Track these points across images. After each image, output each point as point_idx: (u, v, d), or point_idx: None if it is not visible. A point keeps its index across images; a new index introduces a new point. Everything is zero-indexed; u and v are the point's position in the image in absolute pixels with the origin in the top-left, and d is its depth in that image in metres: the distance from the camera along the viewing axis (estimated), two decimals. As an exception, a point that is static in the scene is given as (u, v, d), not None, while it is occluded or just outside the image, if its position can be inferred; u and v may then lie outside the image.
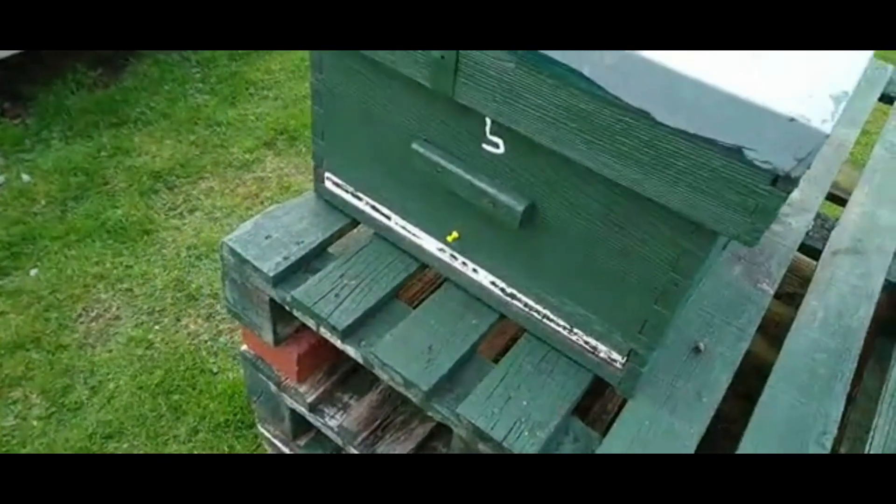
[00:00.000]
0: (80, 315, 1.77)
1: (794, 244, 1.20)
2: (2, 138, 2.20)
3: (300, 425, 1.26)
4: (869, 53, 0.70)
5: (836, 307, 1.10)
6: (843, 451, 1.03)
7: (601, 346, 0.91)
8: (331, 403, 1.16)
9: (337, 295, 0.98)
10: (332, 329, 0.96)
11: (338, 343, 0.98)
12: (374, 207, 1.05)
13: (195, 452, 1.54)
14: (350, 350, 0.97)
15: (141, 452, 1.52)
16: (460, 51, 0.76)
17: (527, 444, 0.85)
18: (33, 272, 1.84)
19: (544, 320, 0.96)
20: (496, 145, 0.84)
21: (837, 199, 1.42)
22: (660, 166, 0.68)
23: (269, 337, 1.08)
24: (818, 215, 1.31)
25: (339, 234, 1.10)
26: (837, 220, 1.29)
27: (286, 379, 1.16)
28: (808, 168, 0.60)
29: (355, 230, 1.14)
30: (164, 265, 1.91)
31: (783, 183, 0.61)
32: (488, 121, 0.83)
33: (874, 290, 1.14)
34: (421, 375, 0.91)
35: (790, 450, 0.88)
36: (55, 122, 2.30)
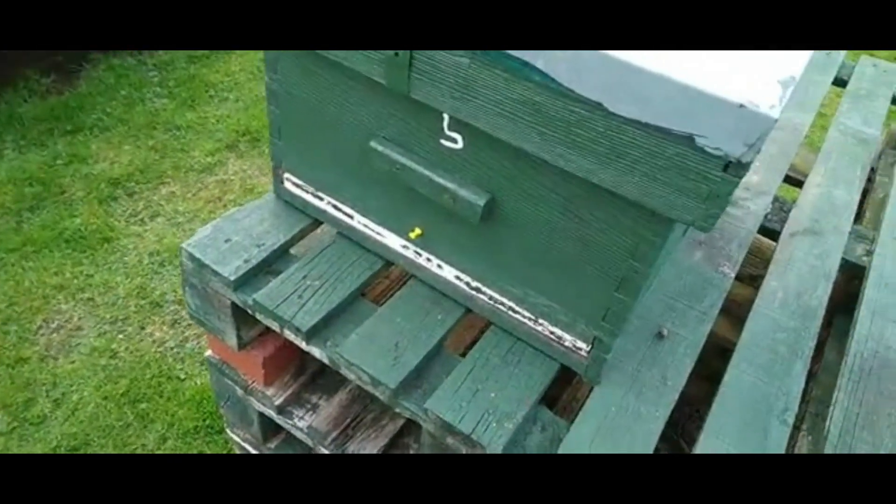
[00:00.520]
0: (40, 327, 1.73)
1: (754, 227, 1.23)
2: (-49, 149, 2.14)
3: (269, 428, 1.25)
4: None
5: (795, 287, 1.12)
6: (805, 427, 1.06)
7: (566, 336, 0.92)
8: (299, 405, 1.16)
9: (300, 296, 0.97)
10: (296, 331, 0.95)
11: (302, 345, 0.97)
12: (335, 207, 1.05)
13: (165, 461, 1.51)
14: (315, 351, 0.97)
15: (109, 464, 1.49)
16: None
17: (494, 435, 0.85)
18: (-10, 285, 1.80)
19: (510, 312, 0.96)
20: (454, 141, 0.84)
21: (795, 181, 1.45)
22: (614, 156, 0.68)
23: (232, 341, 1.07)
24: (776, 198, 1.34)
25: (301, 235, 1.09)
26: (795, 202, 1.31)
27: (253, 382, 1.15)
28: (759, 153, 0.61)
29: (318, 230, 1.13)
30: (126, 273, 1.88)
31: (735, 168, 0.62)
32: (446, 116, 0.83)
33: (832, 270, 1.16)
34: (388, 373, 0.91)
35: (753, 428, 0.90)
36: (7, 131, 2.24)
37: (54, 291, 1.81)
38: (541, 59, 0.67)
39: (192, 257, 1.01)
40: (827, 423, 0.95)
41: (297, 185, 1.07)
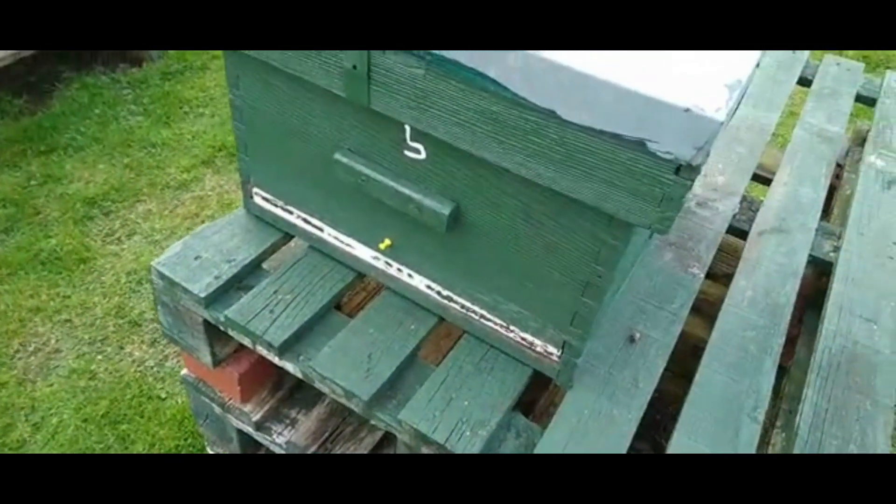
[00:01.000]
0: (17, 351, 1.71)
1: (722, 227, 1.24)
2: (-77, 174, 2.12)
3: (249, 445, 1.24)
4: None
5: (764, 285, 1.14)
6: (779, 423, 1.07)
7: (537, 341, 0.93)
8: (277, 420, 1.15)
9: (271, 311, 0.97)
10: (269, 346, 0.95)
11: (276, 360, 0.97)
12: (305, 220, 1.05)
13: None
14: (289, 366, 0.97)
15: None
16: (372, 60, 0.76)
17: (468, 443, 0.86)
18: (-36, 310, 1.78)
19: (481, 320, 0.97)
20: (417, 151, 0.85)
21: (764, 180, 1.47)
22: (571, 163, 0.69)
23: (207, 359, 1.06)
24: (745, 198, 1.35)
25: (273, 250, 1.09)
26: (763, 200, 1.33)
27: (230, 400, 1.15)
28: (708, 155, 0.62)
29: (290, 244, 1.13)
30: (103, 293, 1.87)
31: (686, 171, 0.63)
32: (407, 127, 0.83)
33: (799, 267, 1.18)
34: (361, 385, 0.91)
35: (725, 426, 0.91)
36: (-21, 153, 2.23)
37: (31, 314, 1.79)
38: (493, 68, 0.67)
39: (162, 275, 1.01)
40: (797, 419, 0.96)
41: (267, 200, 1.07)
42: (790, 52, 1.75)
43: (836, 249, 1.23)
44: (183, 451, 1.55)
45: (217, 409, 1.18)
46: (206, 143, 2.41)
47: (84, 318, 1.80)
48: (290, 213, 1.06)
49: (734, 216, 1.28)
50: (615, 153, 0.66)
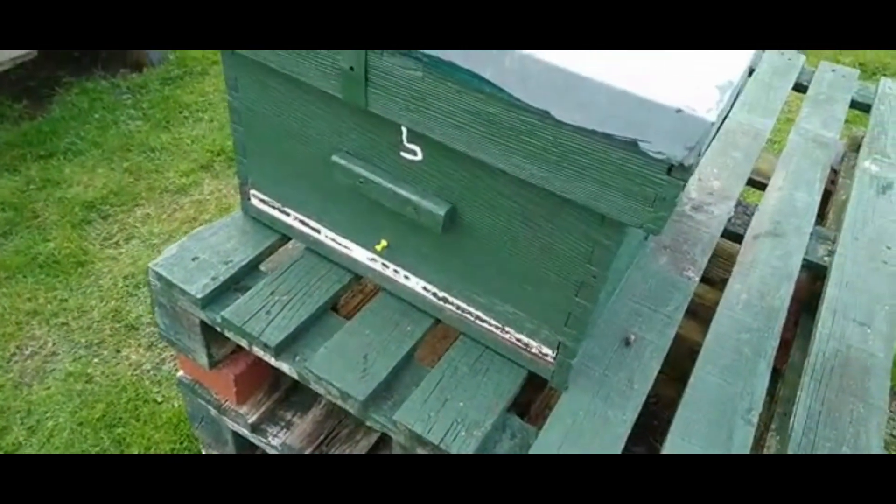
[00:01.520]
0: (13, 354, 1.71)
1: (717, 231, 1.25)
2: (-78, 177, 2.13)
3: (244, 447, 1.24)
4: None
5: (758, 288, 1.14)
6: (773, 426, 1.07)
7: (532, 342, 0.93)
8: (273, 422, 1.16)
9: (268, 312, 0.98)
10: (265, 347, 0.95)
11: (272, 361, 0.97)
12: (302, 222, 1.06)
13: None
14: (285, 367, 0.97)
15: (85, 490, 1.48)
16: (369, 62, 0.77)
17: (463, 444, 0.86)
18: (-38, 313, 1.78)
19: (477, 321, 0.97)
20: (414, 153, 0.86)
21: (760, 184, 1.48)
22: (565, 163, 0.70)
23: (203, 360, 1.07)
24: (740, 202, 1.36)
25: (270, 251, 1.09)
26: (758, 205, 1.34)
27: (226, 401, 1.15)
28: (700, 156, 0.62)
29: (289, 245, 1.13)
30: (100, 296, 1.87)
31: (678, 171, 0.64)
32: (404, 129, 0.84)
33: (793, 270, 1.19)
34: (356, 386, 0.91)
35: (719, 428, 0.91)
36: (-21, 157, 2.23)
37: (28, 317, 1.79)
38: (489, 70, 0.68)
39: (159, 277, 1.01)
40: (791, 421, 0.96)
41: (264, 202, 1.08)
42: (786, 58, 1.76)
43: (831, 254, 1.24)
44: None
45: (213, 412, 1.18)
46: (204, 147, 2.42)
47: (81, 321, 1.80)
48: (288, 214, 1.06)
49: (729, 220, 1.29)
50: (608, 153, 0.67)
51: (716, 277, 1.33)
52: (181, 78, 2.75)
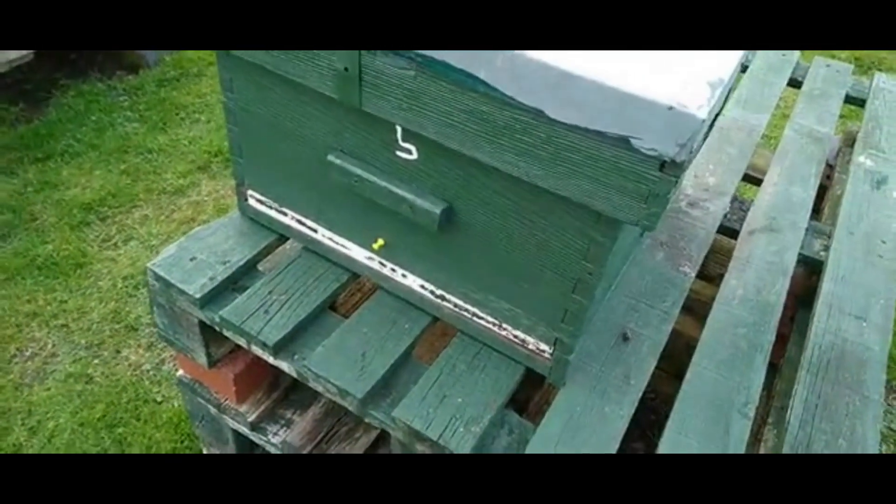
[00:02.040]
0: (14, 355, 1.72)
1: (713, 227, 1.25)
2: (-80, 180, 2.13)
3: (244, 445, 1.25)
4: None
5: (754, 283, 1.15)
6: (770, 420, 1.08)
7: (529, 339, 0.94)
8: (273, 421, 1.16)
9: (266, 311, 0.98)
10: (263, 345, 0.96)
11: (270, 359, 0.98)
12: (299, 221, 1.06)
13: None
14: (283, 365, 0.98)
15: (86, 490, 1.48)
16: (363, 62, 0.78)
17: (462, 440, 0.86)
18: (-39, 316, 1.78)
19: (474, 318, 0.98)
20: (409, 151, 0.86)
21: (755, 180, 1.49)
22: (559, 160, 0.71)
23: (202, 359, 1.07)
24: (735, 198, 1.37)
25: (268, 251, 1.10)
26: (754, 200, 1.35)
27: (225, 400, 1.16)
28: (692, 153, 0.63)
29: (286, 245, 1.14)
30: (100, 297, 1.87)
31: (670, 168, 0.64)
32: (399, 129, 0.84)
33: (789, 265, 1.19)
34: (355, 383, 0.92)
35: (715, 422, 0.92)
36: (-24, 160, 2.23)
37: (27, 319, 1.80)
38: (483, 69, 0.69)
39: (157, 277, 1.02)
40: (787, 414, 0.97)
41: (261, 202, 1.08)
42: (780, 54, 1.77)
43: (827, 248, 1.25)
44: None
45: (213, 410, 1.19)
46: (202, 148, 2.42)
47: (81, 322, 1.81)
48: (285, 214, 1.07)
49: (725, 216, 1.29)
50: (601, 151, 0.67)
51: (712, 273, 1.34)
52: (177, 80, 2.76)
